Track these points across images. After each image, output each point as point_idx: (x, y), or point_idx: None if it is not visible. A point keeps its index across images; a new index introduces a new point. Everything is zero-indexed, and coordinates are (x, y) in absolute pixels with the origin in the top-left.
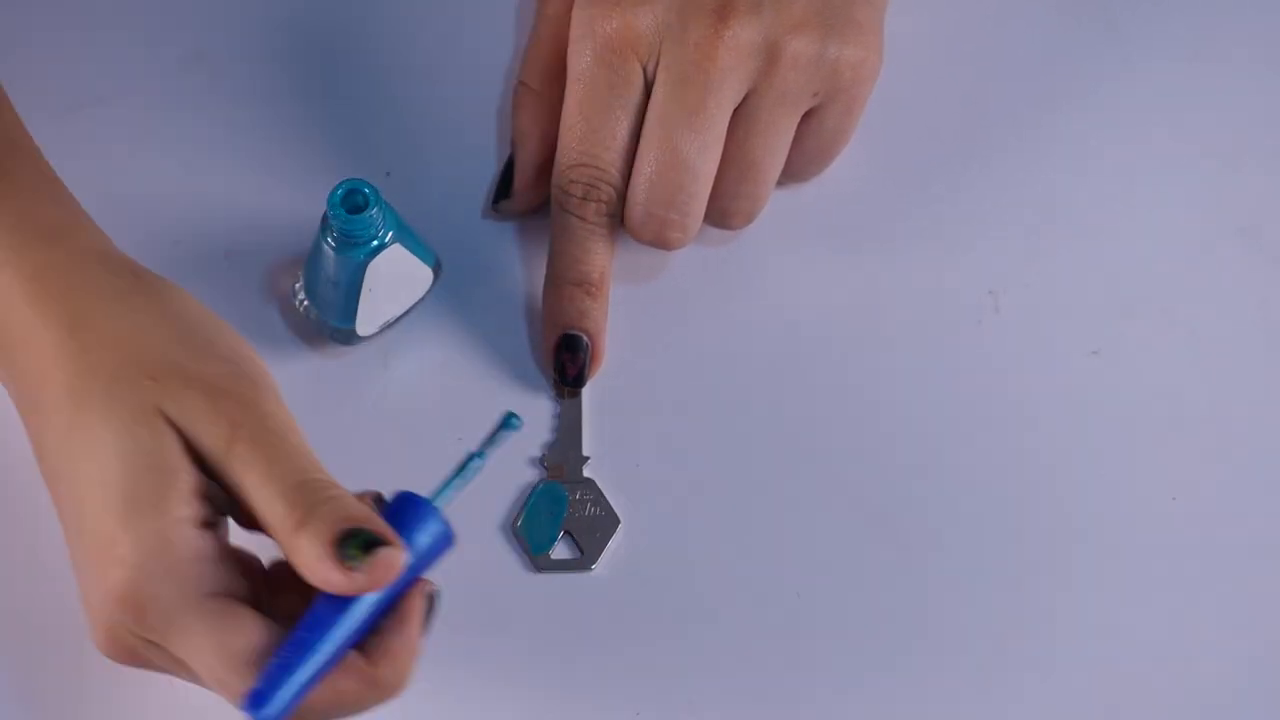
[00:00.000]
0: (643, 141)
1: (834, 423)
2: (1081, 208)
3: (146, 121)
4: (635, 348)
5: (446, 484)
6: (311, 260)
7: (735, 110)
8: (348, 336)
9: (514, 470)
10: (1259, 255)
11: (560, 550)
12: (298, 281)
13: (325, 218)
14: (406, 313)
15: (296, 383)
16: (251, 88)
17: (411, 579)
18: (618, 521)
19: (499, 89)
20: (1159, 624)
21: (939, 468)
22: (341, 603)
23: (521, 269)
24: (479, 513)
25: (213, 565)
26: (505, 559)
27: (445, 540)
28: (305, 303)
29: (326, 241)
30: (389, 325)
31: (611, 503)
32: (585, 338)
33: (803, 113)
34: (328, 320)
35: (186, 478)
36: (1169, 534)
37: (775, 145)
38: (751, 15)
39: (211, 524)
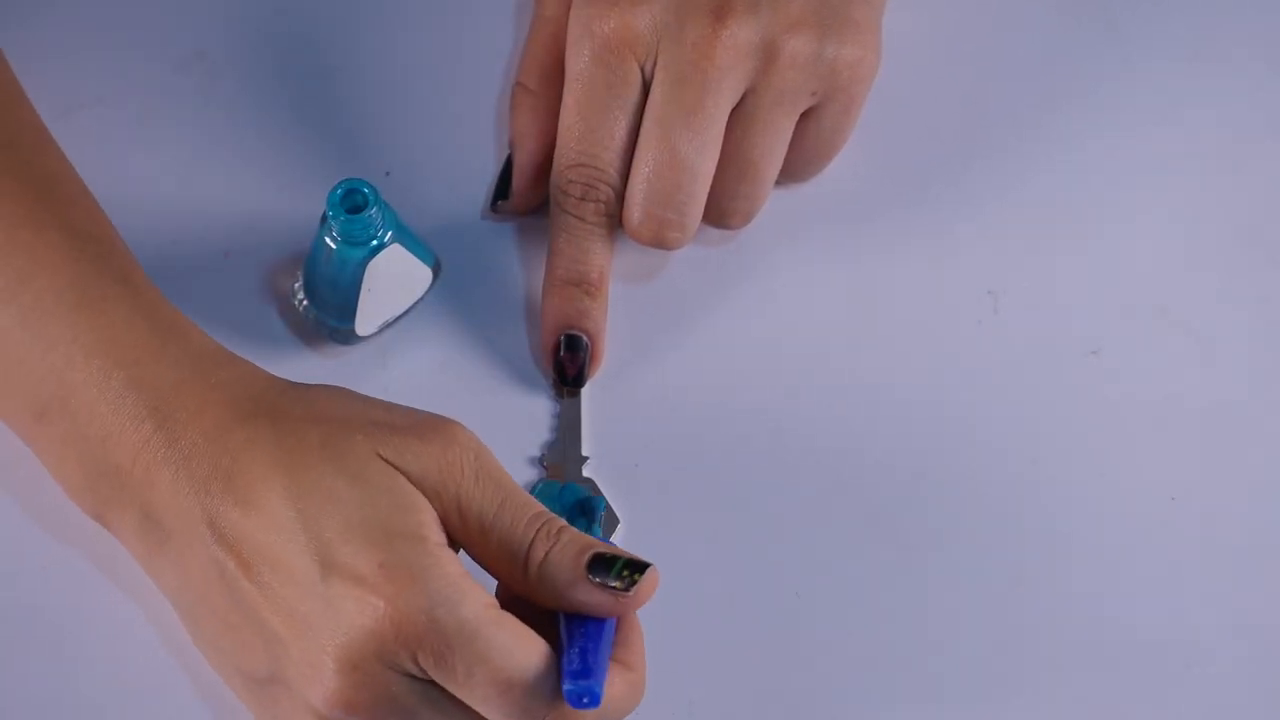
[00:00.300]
0: (641, 141)
1: (833, 423)
2: (1081, 208)
3: (146, 121)
4: (635, 348)
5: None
6: (311, 260)
7: (733, 110)
8: (347, 336)
9: (514, 470)
10: (1259, 255)
11: None
12: (297, 281)
13: (325, 217)
14: (406, 313)
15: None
16: (251, 88)
17: None
18: (617, 521)
19: (499, 89)
20: (1158, 624)
21: (938, 468)
22: (589, 622)
23: (521, 269)
24: None
25: (473, 583)
26: None
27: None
28: (304, 302)
29: (326, 241)
30: (388, 325)
31: (611, 503)
32: (585, 338)
33: (801, 112)
34: (327, 320)
35: (429, 508)
36: (1168, 534)
37: (773, 145)
38: (749, 15)
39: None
